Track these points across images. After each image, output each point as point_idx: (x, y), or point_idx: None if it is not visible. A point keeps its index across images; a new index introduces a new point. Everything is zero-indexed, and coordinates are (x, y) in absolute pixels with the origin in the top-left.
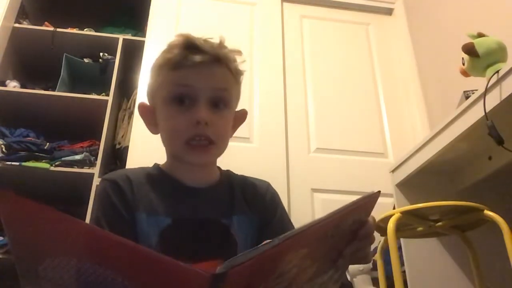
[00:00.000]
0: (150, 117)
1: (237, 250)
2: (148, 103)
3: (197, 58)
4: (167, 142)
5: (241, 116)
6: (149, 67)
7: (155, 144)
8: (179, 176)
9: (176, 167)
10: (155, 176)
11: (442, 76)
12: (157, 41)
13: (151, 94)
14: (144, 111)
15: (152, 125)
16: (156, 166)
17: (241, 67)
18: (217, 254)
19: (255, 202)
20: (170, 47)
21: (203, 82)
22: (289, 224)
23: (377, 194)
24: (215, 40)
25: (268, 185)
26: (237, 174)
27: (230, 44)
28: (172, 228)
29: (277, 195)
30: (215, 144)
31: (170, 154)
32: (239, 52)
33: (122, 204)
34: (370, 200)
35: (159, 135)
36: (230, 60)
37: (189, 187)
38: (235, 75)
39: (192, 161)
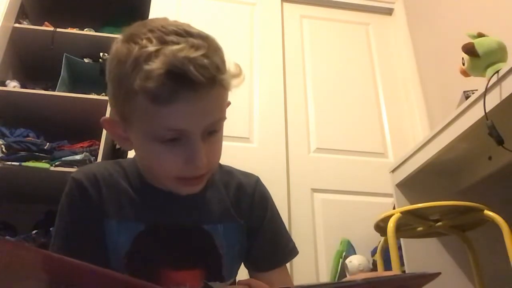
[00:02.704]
0: (120, 132)
1: (221, 258)
2: (113, 117)
3: (190, 94)
4: (149, 171)
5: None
6: (110, 62)
7: None
8: (155, 182)
9: (154, 178)
10: (129, 174)
11: (442, 76)
12: None
13: (120, 111)
14: (111, 127)
15: (124, 140)
16: (133, 162)
17: (236, 82)
18: (198, 262)
19: (240, 205)
20: (147, 73)
21: (197, 122)
22: (281, 229)
23: (435, 275)
24: (201, 43)
25: (256, 183)
26: (223, 172)
27: (228, 45)
28: (146, 235)
29: (267, 193)
30: (208, 174)
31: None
32: (238, 73)
33: (86, 208)
34: (424, 279)
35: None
36: (224, 75)
37: (165, 193)
38: (229, 88)
39: (181, 193)
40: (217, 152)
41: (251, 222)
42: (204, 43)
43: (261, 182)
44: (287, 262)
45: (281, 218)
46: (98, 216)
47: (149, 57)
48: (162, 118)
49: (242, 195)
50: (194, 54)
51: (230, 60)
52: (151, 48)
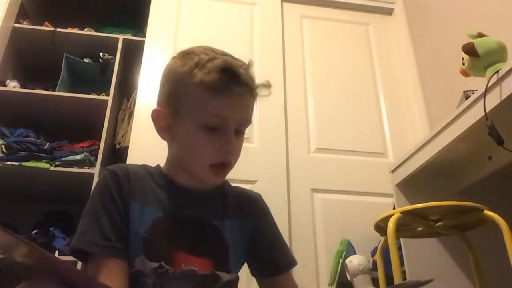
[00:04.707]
0: (165, 123)
1: (228, 252)
2: (162, 108)
3: (238, 90)
4: (186, 158)
5: None
6: (169, 70)
7: (155, 144)
8: (178, 180)
9: (177, 173)
10: (154, 174)
11: (442, 76)
12: (157, 41)
13: (173, 103)
14: (159, 116)
15: (165, 132)
16: (157, 166)
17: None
18: (208, 252)
19: (251, 210)
20: (209, 69)
21: (237, 115)
22: (282, 238)
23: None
24: (244, 63)
25: (260, 197)
26: (232, 185)
27: (228, 45)
28: (163, 221)
29: (268, 208)
30: (232, 166)
31: (177, 163)
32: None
33: (118, 193)
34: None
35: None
36: (258, 93)
37: (185, 187)
38: (256, 99)
39: (210, 182)
40: (239, 150)
41: (256, 226)
42: (245, 63)
43: (264, 200)
44: (291, 269)
45: (281, 237)
46: (125, 199)
47: (209, 60)
48: (212, 106)
49: (251, 203)
50: (241, 63)
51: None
52: (208, 57)
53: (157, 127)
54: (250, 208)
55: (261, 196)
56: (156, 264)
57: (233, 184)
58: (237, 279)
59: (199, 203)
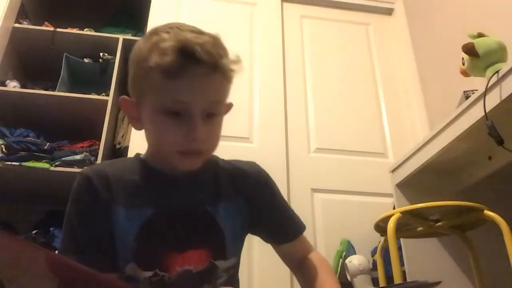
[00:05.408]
0: (134, 112)
1: (224, 239)
2: (130, 98)
3: (195, 70)
4: (155, 145)
5: (227, 109)
6: (132, 53)
7: None
8: (160, 166)
9: (159, 159)
10: (135, 168)
11: (442, 76)
12: None
13: (137, 90)
14: (127, 105)
15: (136, 120)
16: (137, 156)
17: (236, 68)
18: (203, 242)
19: (246, 185)
20: (162, 49)
21: (200, 97)
22: (287, 204)
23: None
24: (209, 38)
25: (258, 169)
26: (224, 161)
27: (228, 45)
28: (154, 219)
29: (270, 178)
30: (206, 152)
31: (155, 151)
32: (238, 61)
33: (93, 200)
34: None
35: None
36: (225, 66)
37: (169, 176)
38: (230, 80)
39: (181, 169)
40: (215, 135)
41: (257, 205)
42: (211, 38)
43: (261, 168)
44: (300, 234)
45: (287, 206)
46: (105, 206)
47: (165, 40)
48: (170, 91)
49: (248, 181)
50: (201, 40)
51: (231, 51)
52: (168, 36)
53: (128, 116)
54: (246, 184)
55: (256, 166)
56: (150, 273)
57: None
58: (237, 264)
59: (188, 190)
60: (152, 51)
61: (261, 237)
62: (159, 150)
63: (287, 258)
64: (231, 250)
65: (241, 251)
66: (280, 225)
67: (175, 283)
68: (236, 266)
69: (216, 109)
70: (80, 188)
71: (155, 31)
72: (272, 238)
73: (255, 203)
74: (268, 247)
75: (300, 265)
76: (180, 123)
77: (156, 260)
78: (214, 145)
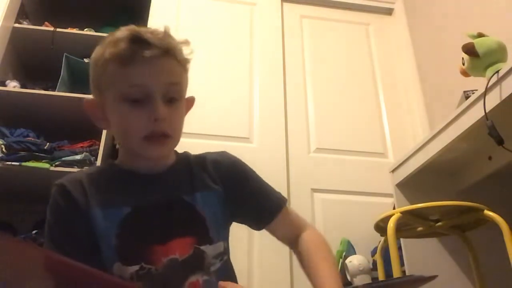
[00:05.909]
0: (99, 112)
1: (205, 223)
2: (93, 98)
3: (147, 53)
4: (122, 138)
5: (190, 103)
6: (90, 59)
7: None
8: (134, 167)
9: (131, 160)
10: (109, 172)
11: (442, 76)
12: None
13: (98, 88)
14: (92, 107)
15: (102, 120)
16: (110, 162)
17: (188, 55)
18: (185, 230)
19: (220, 177)
20: (115, 41)
21: (156, 79)
22: (263, 182)
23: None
24: (160, 31)
25: (229, 156)
26: (195, 155)
27: (228, 44)
28: (133, 215)
29: (241, 162)
30: (171, 137)
31: (125, 148)
32: (186, 43)
33: (70, 208)
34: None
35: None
36: (178, 51)
37: (144, 175)
38: (184, 65)
39: (150, 155)
40: (177, 120)
41: (233, 192)
42: (163, 31)
43: (232, 155)
44: (282, 208)
45: (267, 187)
46: (82, 211)
47: (118, 34)
48: (126, 77)
49: (220, 169)
50: (152, 30)
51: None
52: (120, 31)
53: (93, 118)
54: (217, 171)
55: (227, 154)
56: (136, 267)
57: None
58: (225, 252)
59: (164, 184)
60: (106, 46)
61: (249, 225)
62: (127, 142)
63: (282, 238)
64: (215, 234)
65: (227, 238)
66: (260, 202)
67: (163, 274)
68: (227, 252)
69: (174, 93)
70: (55, 197)
71: (110, 34)
72: (257, 219)
73: (231, 188)
74: (268, 242)
75: (296, 246)
76: (142, 108)
77: (140, 255)
78: (178, 130)
